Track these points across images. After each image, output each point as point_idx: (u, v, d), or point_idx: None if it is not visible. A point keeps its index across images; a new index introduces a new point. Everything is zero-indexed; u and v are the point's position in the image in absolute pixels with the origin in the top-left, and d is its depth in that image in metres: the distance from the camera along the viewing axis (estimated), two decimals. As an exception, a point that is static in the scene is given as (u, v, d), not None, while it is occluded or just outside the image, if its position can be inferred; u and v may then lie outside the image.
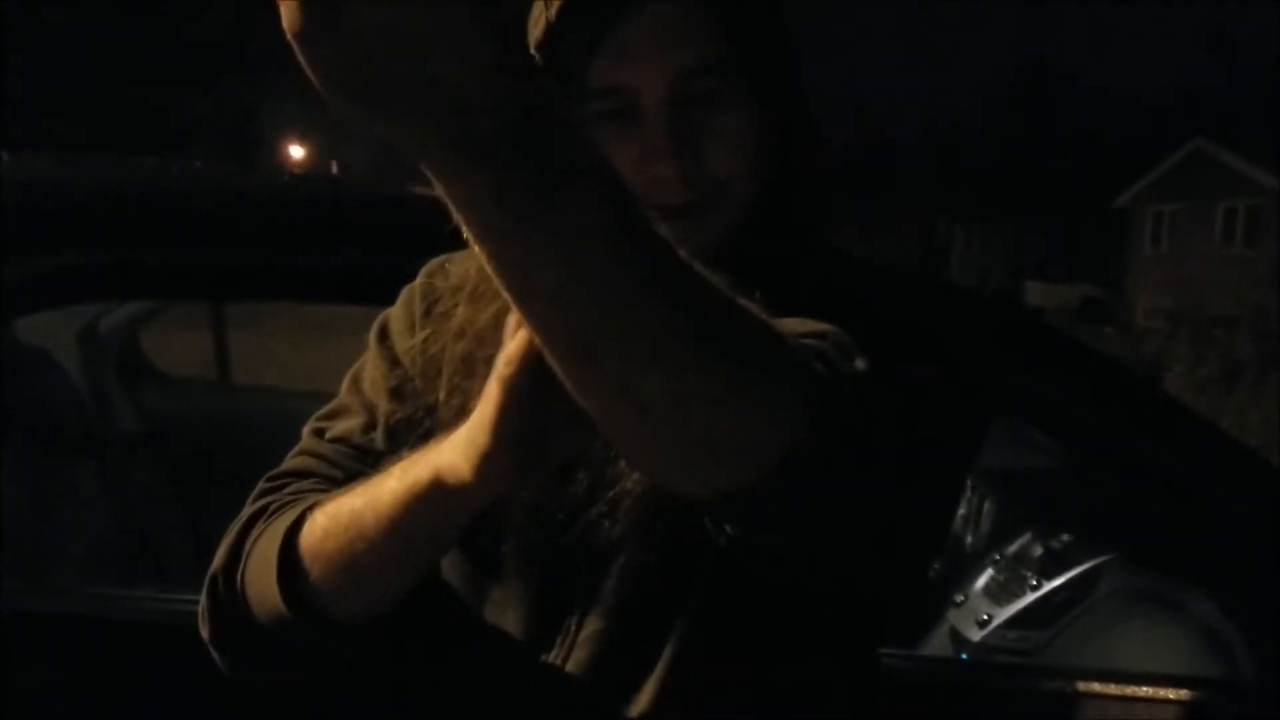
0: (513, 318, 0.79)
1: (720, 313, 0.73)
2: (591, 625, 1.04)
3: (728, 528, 0.86)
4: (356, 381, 1.17)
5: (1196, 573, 2.25)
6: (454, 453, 0.86)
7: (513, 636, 1.06)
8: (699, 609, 1.02)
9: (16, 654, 1.58)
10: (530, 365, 0.77)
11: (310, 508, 0.98)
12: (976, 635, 2.75)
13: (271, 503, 1.05)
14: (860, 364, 0.87)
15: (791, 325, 0.87)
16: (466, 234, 0.64)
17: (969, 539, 3.13)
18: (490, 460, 0.83)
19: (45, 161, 1.98)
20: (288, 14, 0.55)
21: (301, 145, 30.93)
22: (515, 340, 0.78)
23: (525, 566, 1.06)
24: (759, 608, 1.01)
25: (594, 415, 0.73)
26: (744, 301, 0.76)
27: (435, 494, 0.88)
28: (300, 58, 0.56)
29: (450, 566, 1.10)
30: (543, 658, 1.05)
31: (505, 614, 1.07)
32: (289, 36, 0.55)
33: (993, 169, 48.18)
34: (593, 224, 0.63)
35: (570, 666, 1.04)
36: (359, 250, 1.74)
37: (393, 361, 1.14)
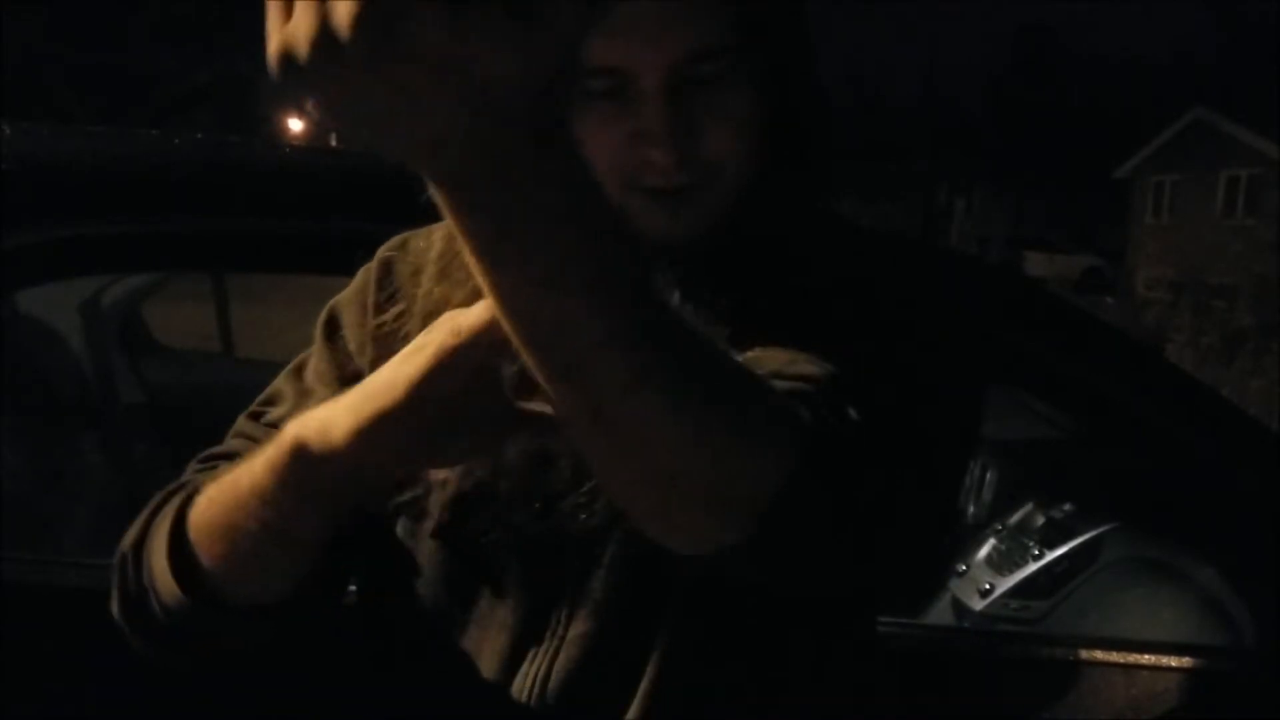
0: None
1: (702, 356, 0.72)
2: (579, 625, 1.00)
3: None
4: (299, 370, 1.13)
5: (1198, 541, 2.26)
6: (332, 412, 0.84)
7: (499, 637, 1.03)
8: (688, 605, 1.00)
9: (18, 626, 1.58)
10: (478, 347, 0.77)
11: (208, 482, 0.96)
12: (979, 604, 2.75)
13: (189, 481, 1.02)
14: (852, 412, 0.84)
15: (781, 360, 0.86)
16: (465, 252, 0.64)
17: (971, 509, 3.14)
18: (384, 425, 0.81)
19: (45, 133, 1.97)
20: (280, 52, 0.55)
21: (300, 118, 30.82)
22: (475, 314, 0.78)
23: (510, 561, 1.03)
24: (749, 602, 0.98)
25: (579, 445, 0.73)
26: (728, 349, 0.76)
27: (296, 458, 0.85)
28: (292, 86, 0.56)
29: (434, 563, 1.06)
30: (531, 657, 1.01)
31: (493, 612, 1.04)
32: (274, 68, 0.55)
33: (993, 137, 48.03)
34: (579, 267, 0.62)
35: (559, 665, 1.00)
36: (361, 222, 1.74)
37: (343, 350, 1.11)
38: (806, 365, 0.86)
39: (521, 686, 1.01)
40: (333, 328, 1.13)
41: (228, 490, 0.92)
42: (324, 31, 0.52)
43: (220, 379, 3.59)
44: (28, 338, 2.78)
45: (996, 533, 2.94)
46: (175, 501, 0.98)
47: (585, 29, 0.56)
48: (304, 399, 1.08)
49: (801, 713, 1.05)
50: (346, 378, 1.07)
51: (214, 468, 1.05)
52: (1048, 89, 50.66)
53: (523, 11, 0.53)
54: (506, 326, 0.67)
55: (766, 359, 0.87)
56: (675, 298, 0.93)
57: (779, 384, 0.82)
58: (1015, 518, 2.94)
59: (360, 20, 0.51)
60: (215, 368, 3.93)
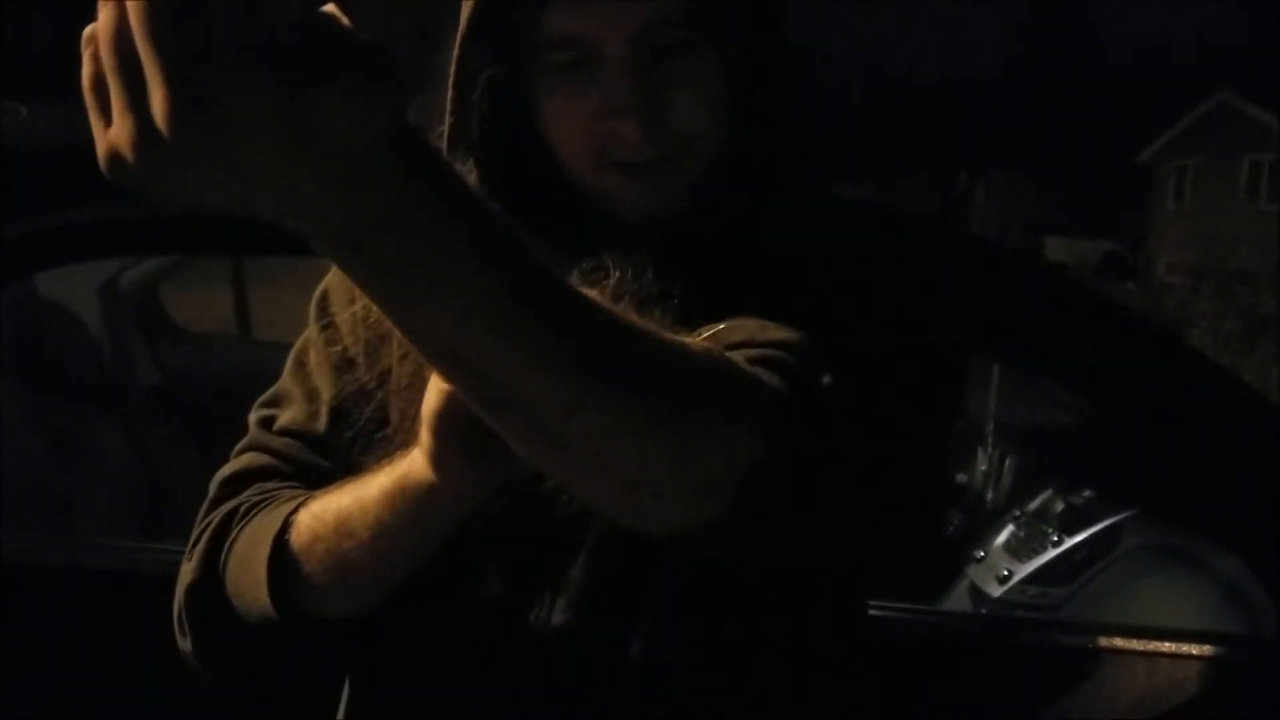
0: None
1: (645, 357, 0.70)
2: (561, 613, 0.98)
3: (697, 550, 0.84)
4: (300, 364, 1.11)
5: (1218, 528, 2.25)
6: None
7: (484, 624, 1.01)
8: (670, 591, 0.97)
9: (37, 606, 1.59)
10: None
11: (294, 510, 0.95)
12: (997, 591, 2.75)
13: (241, 505, 1.01)
14: (825, 377, 0.83)
15: (752, 328, 0.85)
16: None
17: (990, 495, 3.13)
18: (442, 463, 0.82)
19: (65, 115, 1.97)
20: (112, 153, 0.52)
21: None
22: None
23: (491, 550, 1.00)
24: (733, 588, 0.96)
25: (534, 463, 0.72)
26: (676, 337, 0.74)
27: (420, 492, 0.87)
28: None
29: None
30: (515, 645, 0.99)
31: (475, 602, 1.01)
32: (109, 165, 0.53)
33: (1013, 121, 47.85)
34: (486, 304, 0.60)
35: (542, 655, 0.98)
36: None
37: (334, 336, 1.08)
38: (777, 332, 0.85)
39: (506, 676, 1.00)
40: (324, 311, 1.11)
41: (336, 524, 0.92)
42: (145, 132, 0.50)
43: (237, 362, 3.60)
44: (47, 320, 2.80)
45: (1015, 519, 2.94)
46: (258, 530, 0.97)
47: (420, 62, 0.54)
48: (312, 399, 1.07)
49: (788, 697, 1.03)
50: (342, 362, 1.06)
51: (243, 488, 1.04)
52: (1069, 72, 50.44)
53: (375, 75, 0.51)
54: (440, 374, 0.66)
55: (737, 328, 0.85)
56: (649, 273, 0.90)
57: (749, 352, 0.81)
58: (1034, 504, 2.94)
59: (178, 115, 0.49)
60: (232, 350, 3.94)
